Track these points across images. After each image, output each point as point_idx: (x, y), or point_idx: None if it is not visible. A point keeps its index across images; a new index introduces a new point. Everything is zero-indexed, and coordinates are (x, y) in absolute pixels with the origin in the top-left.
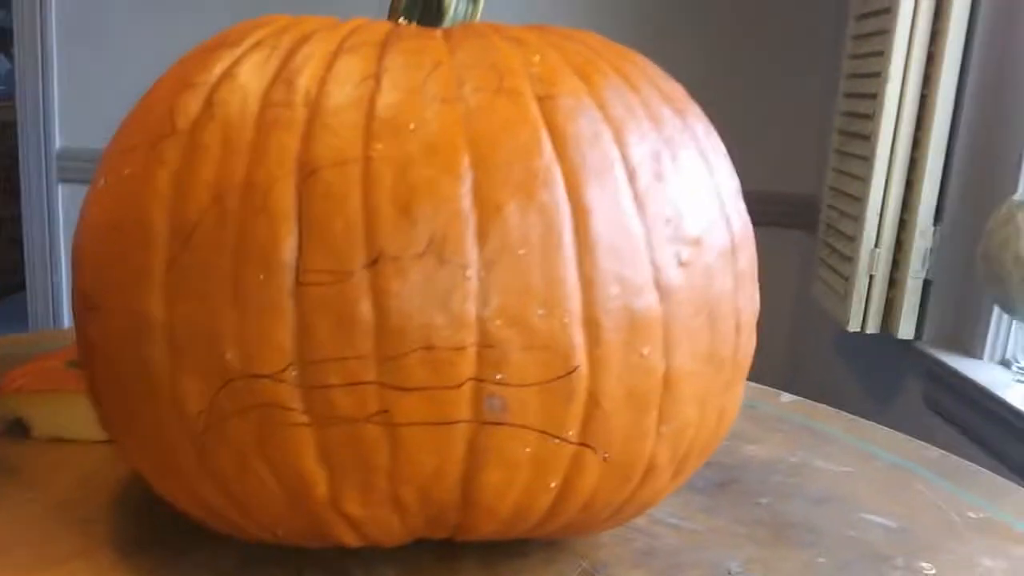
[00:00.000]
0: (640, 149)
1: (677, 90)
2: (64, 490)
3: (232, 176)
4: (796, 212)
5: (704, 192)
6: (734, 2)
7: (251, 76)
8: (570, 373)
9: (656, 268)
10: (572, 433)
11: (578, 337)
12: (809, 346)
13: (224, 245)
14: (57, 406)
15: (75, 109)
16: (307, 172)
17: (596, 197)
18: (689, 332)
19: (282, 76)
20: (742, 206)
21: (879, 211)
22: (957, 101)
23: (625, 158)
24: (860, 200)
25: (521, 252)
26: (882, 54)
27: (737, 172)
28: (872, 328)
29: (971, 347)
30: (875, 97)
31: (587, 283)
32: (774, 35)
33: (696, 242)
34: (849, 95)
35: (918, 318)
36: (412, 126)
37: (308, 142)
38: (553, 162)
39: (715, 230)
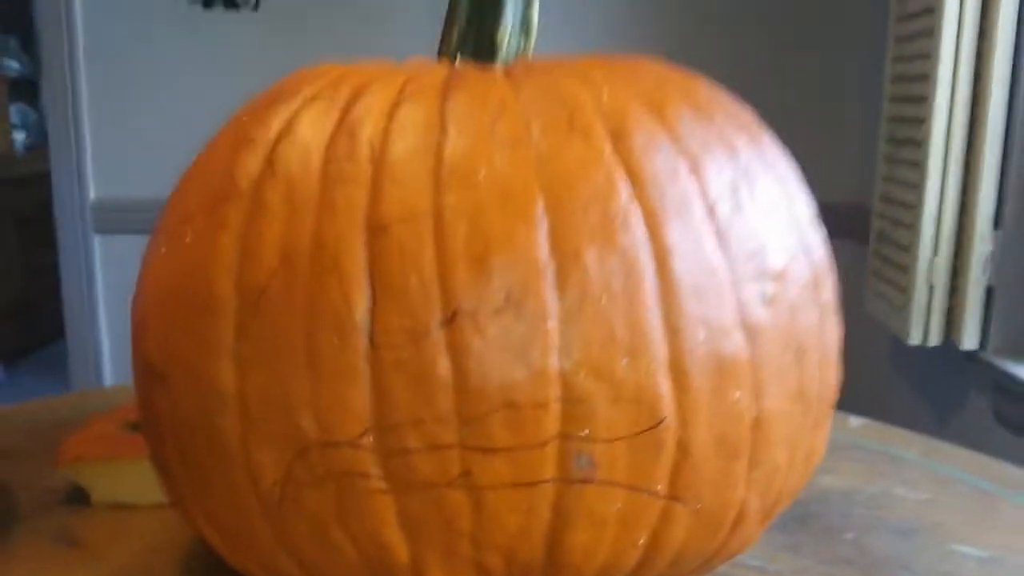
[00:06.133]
0: (718, 182)
1: (747, 115)
2: (128, 558)
3: (299, 236)
4: (843, 222)
5: (784, 222)
6: (773, 5)
7: (310, 130)
8: (658, 424)
9: (742, 307)
10: (661, 487)
11: (665, 386)
12: (863, 362)
13: (294, 309)
14: (117, 473)
15: (108, 160)
16: (376, 228)
17: (677, 236)
18: (778, 372)
19: (343, 129)
20: (820, 234)
21: (936, 217)
22: (1011, 99)
23: (704, 193)
24: (915, 207)
25: (603, 300)
26: (928, 56)
27: None
28: (935, 340)
29: None
30: (924, 100)
31: (672, 328)
32: (813, 38)
33: (780, 276)
34: (895, 99)
35: (982, 327)
36: (482, 173)
37: (376, 196)
38: (632, 203)
39: (797, 262)
